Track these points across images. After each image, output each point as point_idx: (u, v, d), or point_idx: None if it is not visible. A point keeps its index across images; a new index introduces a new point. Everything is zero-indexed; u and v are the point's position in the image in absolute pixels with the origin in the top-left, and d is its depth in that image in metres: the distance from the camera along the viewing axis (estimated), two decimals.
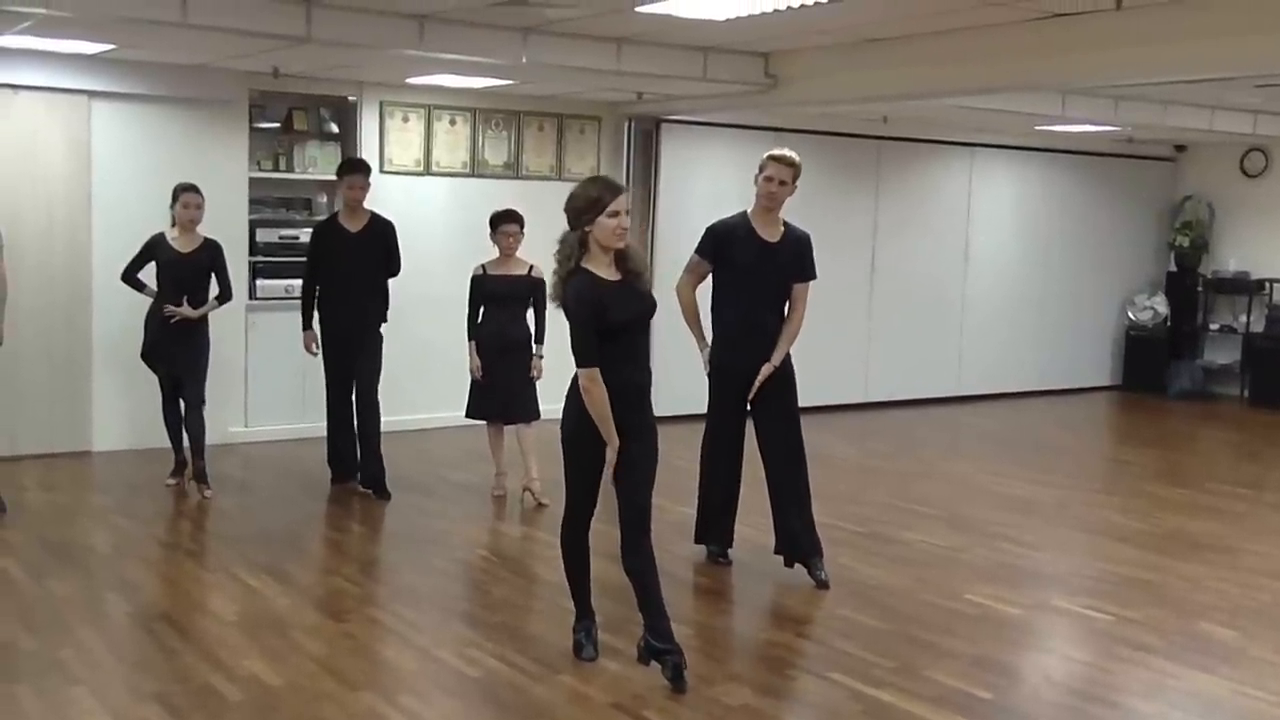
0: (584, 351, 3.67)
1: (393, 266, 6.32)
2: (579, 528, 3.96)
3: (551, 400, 6.55)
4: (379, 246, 6.27)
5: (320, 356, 6.32)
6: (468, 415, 6.21)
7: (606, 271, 3.73)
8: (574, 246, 3.72)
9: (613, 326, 3.67)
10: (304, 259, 6.55)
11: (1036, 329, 10.57)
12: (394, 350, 6.58)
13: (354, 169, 6.33)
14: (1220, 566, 5.33)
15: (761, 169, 4.79)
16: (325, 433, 6.46)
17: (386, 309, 6.34)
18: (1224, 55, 5.02)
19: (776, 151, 4.80)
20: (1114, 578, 5.17)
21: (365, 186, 6.26)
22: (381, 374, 6.32)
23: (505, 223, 6.04)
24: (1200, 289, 10.82)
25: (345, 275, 6.18)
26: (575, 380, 3.75)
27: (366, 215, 6.28)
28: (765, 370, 4.81)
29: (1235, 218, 10.72)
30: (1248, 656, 4.20)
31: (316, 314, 6.31)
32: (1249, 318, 10.45)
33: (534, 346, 6.08)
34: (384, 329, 6.33)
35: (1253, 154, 10.59)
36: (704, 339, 4.97)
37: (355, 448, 6.37)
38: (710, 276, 4.94)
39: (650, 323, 3.86)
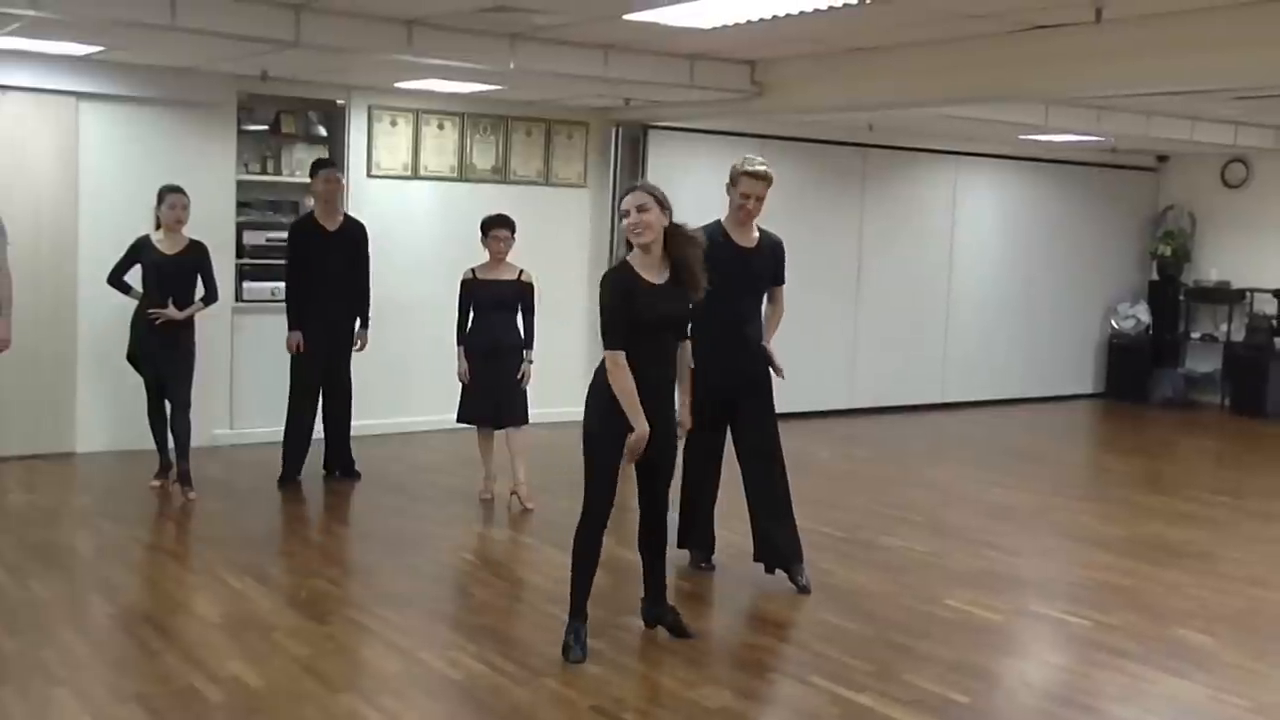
0: (610, 334, 3.85)
1: (366, 268, 6.49)
2: (596, 528, 4.02)
3: (541, 405, 6.63)
4: (355, 246, 6.43)
5: (292, 355, 6.38)
6: (459, 420, 6.23)
7: (649, 272, 3.90)
8: (625, 248, 4.01)
9: (638, 323, 3.83)
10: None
11: (1020, 337, 10.63)
12: (380, 353, 6.61)
13: (330, 164, 6.56)
14: (1198, 573, 5.38)
15: (734, 182, 4.73)
16: (296, 432, 6.46)
17: (368, 308, 6.48)
18: (1202, 68, 5.09)
19: (750, 168, 4.69)
20: (1093, 583, 5.21)
21: (342, 180, 6.50)
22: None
23: (496, 227, 6.06)
24: (1182, 298, 10.91)
25: (328, 275, 6.29)
26: (597, 377, 3.91)
27: (341, 214, 6.46)
28: (772, 351, 4.87)
29: (1216, 227, 10.82)
30: (1222, 662, 4.24)
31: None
32: (1229, 327, 10.54)
33: (524, 351, 6.10)
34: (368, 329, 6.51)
35: (1234, 164, 10.69)
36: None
37: (309, 448, 6.49)
38: None
39: (683, 328, 4.05)
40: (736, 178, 4.75)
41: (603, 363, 3.91)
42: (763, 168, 4.72)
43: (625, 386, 3.81)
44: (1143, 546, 5.88)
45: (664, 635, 4.26)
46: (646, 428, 3.83)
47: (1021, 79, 5.67)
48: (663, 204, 3.90)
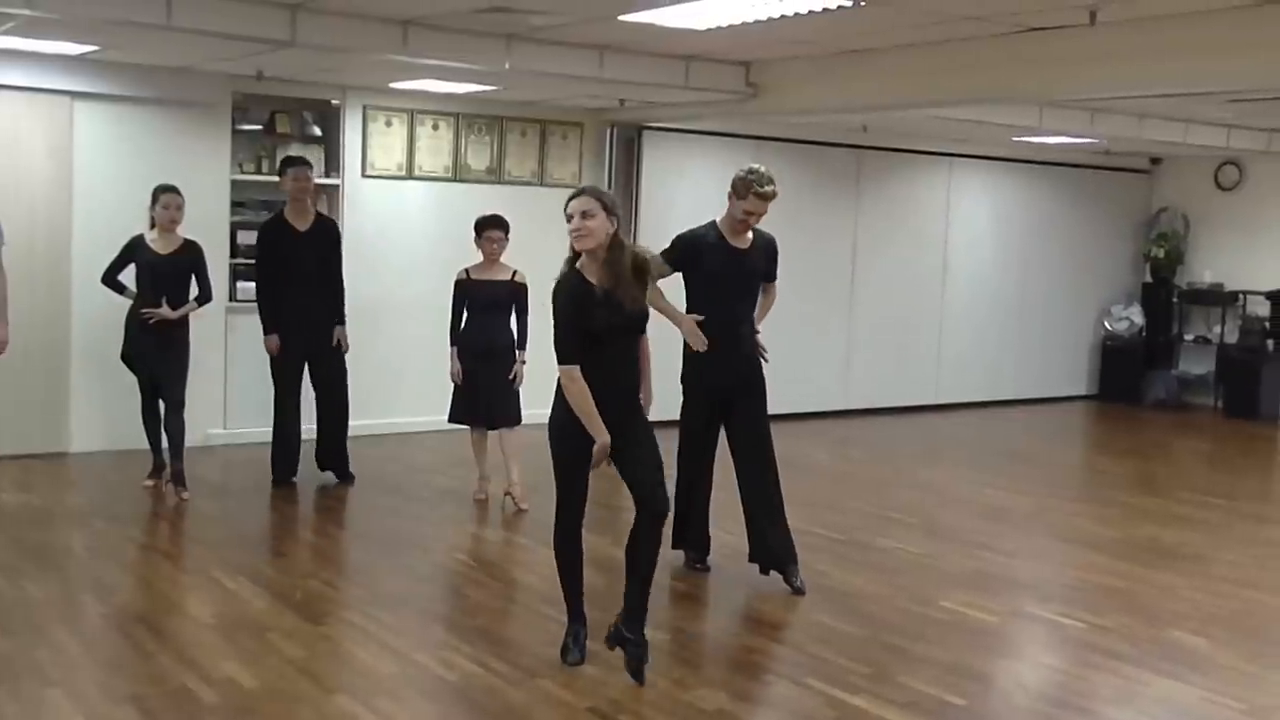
0: (564, 349, 3.74)
1: (338, 266, 6.44)
2: (571, 530, 3.98)
3: (534, 405, 6.62)
4: (327, 244, 6.39)
5: (270, 357, 6.36)
6: (451, 420, 6.22)
7: (598, 277, 3.78)
8: (572, 252, 3.83)
9: (595, 330, 3.74)
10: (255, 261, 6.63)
11: (1014, 338, 10.65)
12: (375, 354, 6.62)
13: (300, 162, 6.50)
14: (1192, 575, 5.39)
15: (740, 196, 4.68)
16: (281, 434, 6.44)
17: (343, 306, 6.42)
18: (1196, 71, 5.11)
19: (761, 189, 4.64)
20: (1087, 585, 5.22)
21: (312, 178, 6.40)
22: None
23: (490, 228, 6.06)
24: (1175, 300, 10.94)
25: (301, 275, 6.25)
26: (560, 381, 3.81)
27: (312, 213, 6.40)
28: (759, 330, 4.93)
29: (1210, 230, 10.85)
30: (1217, 664, 4.25)
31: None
32: (1223, 329, 10.57)
33: (516, 352, 6.09)
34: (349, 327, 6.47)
35: (1226, 167, 10.72)
36: (678, 312, 4.85)
37: (299, 449, 6.46)
38: (684, 289, 4.96)
39: (640, 330, 3.92)
40: (744, 193, 4.67)
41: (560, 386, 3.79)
42: (771, 188, 4.67)
43: (582, 401, 3.71)
44: (1137, 548, 5.89)
45: (659, 636, 4.23)
46: (608, 438, 3.74)
47: (1016, 81, 5.68)
48: (609, 210, 3.76)
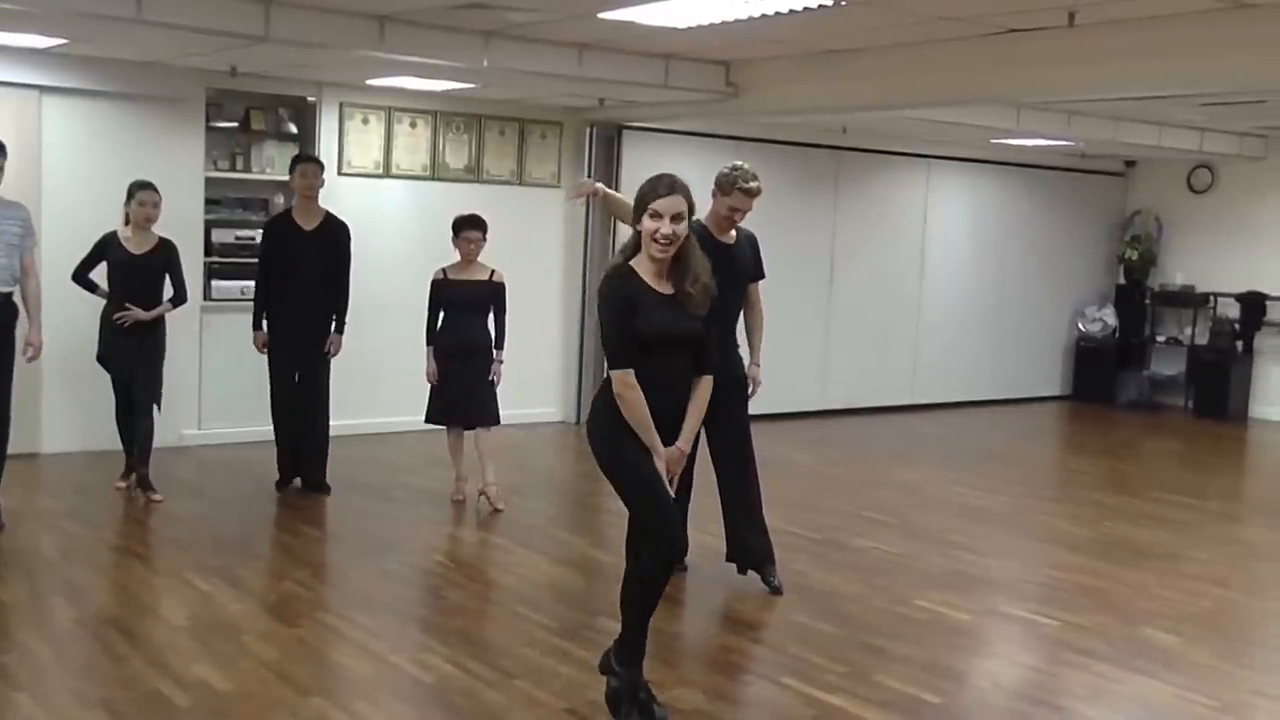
0: (616, 352, 3.35)
1: (344, 270, 6.22)
2: (667, 555, 3.46)
3: (512, 405, 6.61)
4: (333, 246, 6.18)
5: (267, 357, 6.24)
6: (427, 420, 6.18)
7: (655, 279, 3.39)
8: (629, 244, 3.46)
9: (641, 337, 3.33)
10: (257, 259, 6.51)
11: (989, 339, 10.72)
12: (352, 354, 6.54)
13: (309, 159, 6.36)
14: (1164, 574, 5.44)
15: (725, 193, 4.68)
16: (277, 436, 6.35)
17: (345, 310, 6.23)
18: (1173, 72, 5.16)
19: (746, 185, 4.63)
20: (1061, 584, 5.26)
21: (320, 177, 6.23)
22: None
23: (467, 228, 6.02)
24: (1148, 302, 11.05)
25: (301, 276, 6.09)
26: (603, 387, 3.45)
27: (321, 213, 6.21)
28: (756, 374, 4.93)
29: (1182, 232, 10.96)
30: (1189, 661, 4.29)
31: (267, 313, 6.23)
32: (1194, 330, 10.68)
33: (494, 351, 6.07)
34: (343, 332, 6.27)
35: (1199, 170, 10.83)
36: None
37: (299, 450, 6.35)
38: None
39: (692, 347, 3.46)
40: (729, 189, 4.67)
41: (603, 388, 3.43)
42: (756, 184, 4.67)
43: (639, 415, 3.30)
44: (1110, 547, 5.93)
45: None
46: (663, 447, 3.36)
47: (995, 82, 5.71)
48: (692, 210, 3.38)
